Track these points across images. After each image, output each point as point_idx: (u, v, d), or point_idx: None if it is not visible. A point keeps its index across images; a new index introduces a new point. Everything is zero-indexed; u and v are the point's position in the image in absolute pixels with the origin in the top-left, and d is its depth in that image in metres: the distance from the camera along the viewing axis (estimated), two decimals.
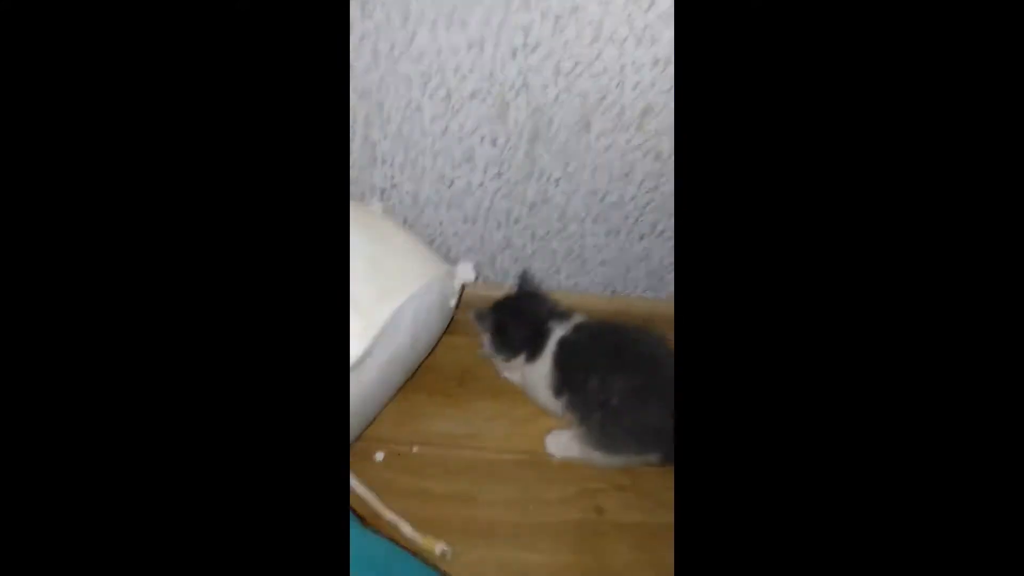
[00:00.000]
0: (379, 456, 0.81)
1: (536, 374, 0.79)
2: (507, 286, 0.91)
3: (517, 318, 0.79)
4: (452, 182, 0.80)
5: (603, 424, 0.75)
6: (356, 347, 0.56)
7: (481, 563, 0.73)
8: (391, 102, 0.72)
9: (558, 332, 0.78)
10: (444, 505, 0.77)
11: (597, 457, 0.78)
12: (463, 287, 0.76)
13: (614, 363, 0.74)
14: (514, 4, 0.62)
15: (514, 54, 0.67)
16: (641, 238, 0.86)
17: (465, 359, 0.92)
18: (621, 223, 0.84)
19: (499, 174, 0.79)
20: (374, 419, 0.81)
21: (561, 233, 0.86)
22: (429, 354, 0.87)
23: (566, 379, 0.76)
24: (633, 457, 0.77)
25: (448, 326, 0.85)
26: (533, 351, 0.78)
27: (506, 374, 0.88)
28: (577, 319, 0.80)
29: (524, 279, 0.85)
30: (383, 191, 0.82)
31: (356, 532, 0.51)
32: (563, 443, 0.82)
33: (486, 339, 0.82)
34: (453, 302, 0.74)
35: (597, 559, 0.76)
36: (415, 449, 0.82)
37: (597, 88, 0.69)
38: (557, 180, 0.79)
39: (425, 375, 0.88)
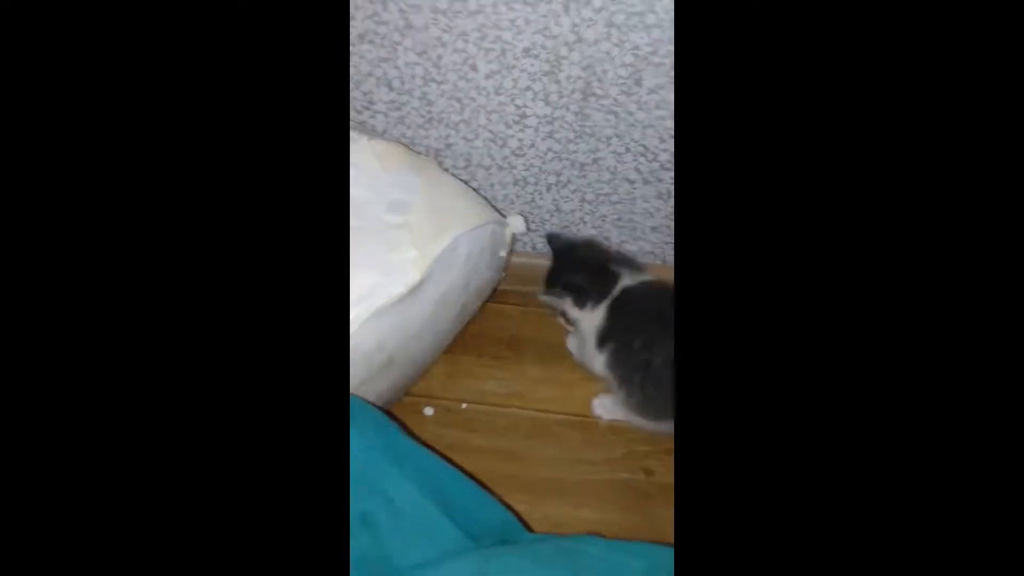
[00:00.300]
0: (428, 411, 0.83)
1: (590, 323, 0.78)
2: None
3: (589, 261, 0.79)
4: (504, 142, 0.82)
5: (643, 387, 0.74)
6: (412, 275, 0.57)
7: (528, 516, 0.73)
8: (448, 58, 0.74)
9: (625, 280, 0.78)
10: (490, 460, 0.78)
11: (640, 422, 0.78)
12: (514, 238, 0.77)
13: (663, 325, 0.74)
14: None
15: (567, 8, 0.68)
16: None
17: (513, 326, 0.92)
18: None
19: (551, 134, 0.80)
20: (423, 368, 0.82)
21: (611, 197, 0.87)
22: (479, 311, 0.88)
23: (614, 332, 0.75)
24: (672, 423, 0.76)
25: (498, 284, 0.86)
26: (598, 296, 0.77)
27: (569, 334, 0.87)
28: (646, 275, 0.80)
29: (552, 239, 0.84)
30: (437, 152, 0.84)
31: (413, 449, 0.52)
32: (609, 406, 0.81)
33: (553, 298, 0.80)
34: (504, 253, 0.75)
35: (646, 519, 0.74)
36: (464, 406, 0.83)
37: (649, 42, 0.70)
38: (608, 139, 0.80)
39: (474, 340, 0.89)
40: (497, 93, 0.77)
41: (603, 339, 0.77)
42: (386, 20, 0.71)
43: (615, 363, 0.76)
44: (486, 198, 0.89)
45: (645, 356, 0.73)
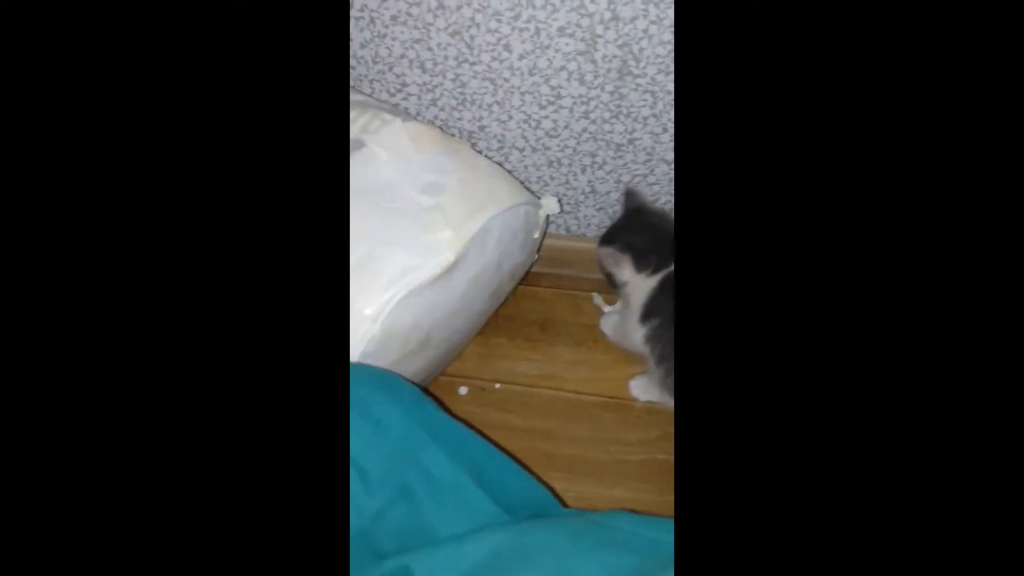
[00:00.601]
0: (463, 390, 0.84)
1: (640, 292, 0.76)
2: (591, 237, 0.91)
3: (658, 228, 0.77)
4: (539, 123, 0.81)
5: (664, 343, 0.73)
6: (447, 256, 0.58)
7: (563, 494, 0.74)
8: (481, 38, 0.74)
9: None
10: (525, 439, 0.79)
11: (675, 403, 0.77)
12: (547, 219, 0.76)
13: None
14: None
15: None
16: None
17: (546, 309, 0.93)
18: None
19: (586, 114, 0.80)
20: (457, 349, 0.83)
21: (647, 178, 0.86)
22: (512, 293, 0.88)
23: (661, 306, 0.74)
24: None
25: (531, 267, 0.86)
26: (657, 265, 0.75)
27: (603, 316, 0.86)
28: None
29: (629, 196, 0.82)
30: (471, 134, 0.84)
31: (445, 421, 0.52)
32: (645, 386, 0.81)
33: (612, 251, 0.77)
34: (537, 234, 0.75)
35: None
36: (498, 386, 0.84)
37: None
38: (645, 119, 0.79)
39: (507, 322, 0.90)
40: (531, 74, 0.76)
41: (649, 312, 0.75)
42: (418, 1, 0.72)
43: (656, 338, 0.75)
44: (520, 180, 0.89)
45: None
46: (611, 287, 0.81)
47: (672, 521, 0.51)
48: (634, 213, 0.81)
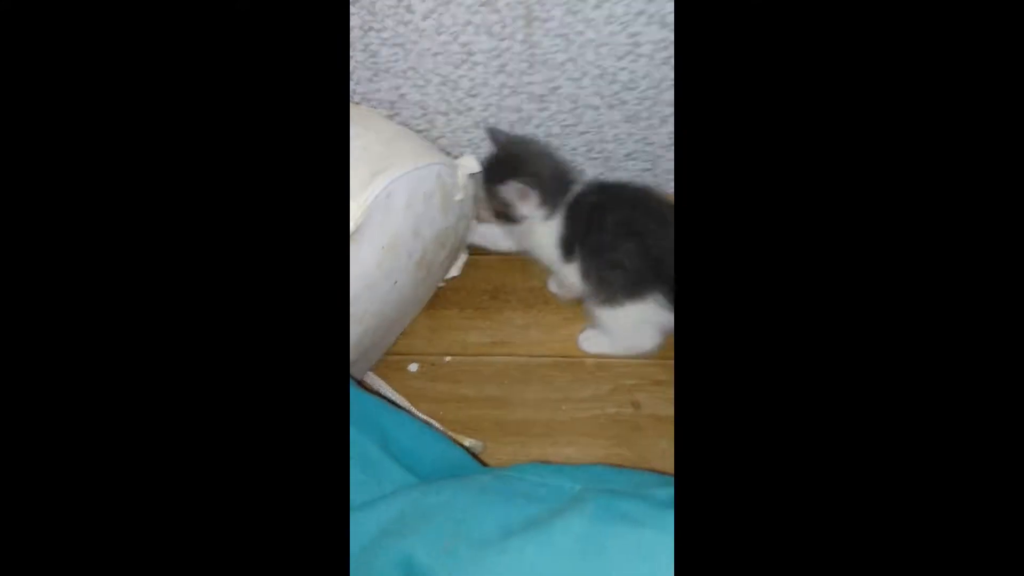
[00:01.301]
0: (413, 367, 0.82)
1: (550, 228, 0.74)
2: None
3: (545, 158, 0.76)
4: (456, 83, 0.79)
5: (599, 268, 0.71)
6: (350, 224, 0.56)
7: (514, 459, 0.72)
8: (382, 2, 0.71)
9: (577, 188, 0.75)
10: (477, 407, 0.77)
11: (622, 348, 0.75)
12: (469, 178, 0.74)
13: (630, 226, 0.71)
14: None
15: None
16: (664, 121, 0.81)
17: (496, 277, 0.90)
18: (639, 106, 0.79)
19: (501, 68, 0.77)
20: (398, 323, 0.82)
21: (576, 127, 0.83)
22: (457, 263, 0.87)
23: (578, 237, 0.72)
24: (640, 302, 0.71)
25: (467, 231, 0.84)
26: (560, 196, 0.74)
27: (500, 243, 0.84)
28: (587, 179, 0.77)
29: (493, 132, 0.79)
30: (392, 104, 0.82)
31: (355, 393, 0.51)
32: (593, 338, 0.79)
33: (519, 187, 0.72)
34: (459, 196, 0.73)
35: (635, 451, 0.72)
36: (447, 359, 0.82)
37: None
38: (562, 65, 0.76)
39: (455, 293, 0.88)
40: (438, 33, 0.74)
41: (568, 247, 0.73)
42: None
43: (588, 271, 0.73)
44: (449, 152, 0.86)
45: (616, 256, 0.70)
46: (502, 222, 0.77)
47: (579, 467, 0.50)
48: (512, 147, 0.77)
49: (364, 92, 0.81)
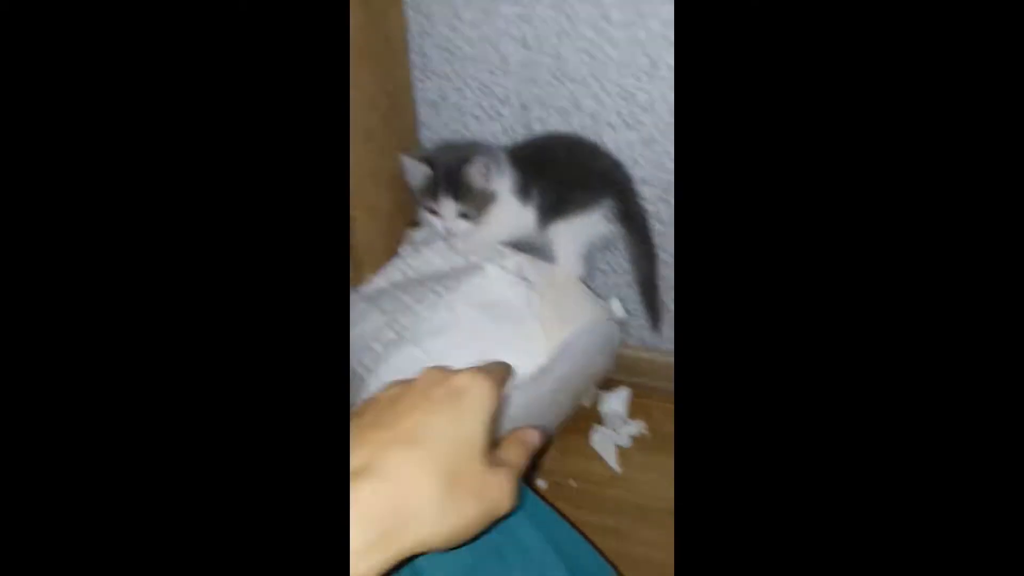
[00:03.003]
0: (542, 484, 0.87)
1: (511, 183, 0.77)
2: None
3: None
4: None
5: (555, 204, 0.76)
6: (541, 358, 0.71)
7: None
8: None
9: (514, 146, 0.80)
10: (595, 535, 0.75)
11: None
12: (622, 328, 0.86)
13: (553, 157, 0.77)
14: None
15: None
16: None
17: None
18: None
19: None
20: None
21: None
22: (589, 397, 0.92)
23: (529, 177, 0.76)
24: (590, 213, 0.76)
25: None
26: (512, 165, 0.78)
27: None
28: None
29: (427, 159, 0.77)
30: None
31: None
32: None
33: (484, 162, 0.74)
34: (616, 342, 0.85)
35: None
36: (572, 483, 0.86)
37: None
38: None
39: (586, 421, 0.92)
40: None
41: (526, 189, 0.77)
42: None
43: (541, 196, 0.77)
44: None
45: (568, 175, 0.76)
46: (472, 215, 0.76)
47: None
48: (444, 152, 0.78)
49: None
